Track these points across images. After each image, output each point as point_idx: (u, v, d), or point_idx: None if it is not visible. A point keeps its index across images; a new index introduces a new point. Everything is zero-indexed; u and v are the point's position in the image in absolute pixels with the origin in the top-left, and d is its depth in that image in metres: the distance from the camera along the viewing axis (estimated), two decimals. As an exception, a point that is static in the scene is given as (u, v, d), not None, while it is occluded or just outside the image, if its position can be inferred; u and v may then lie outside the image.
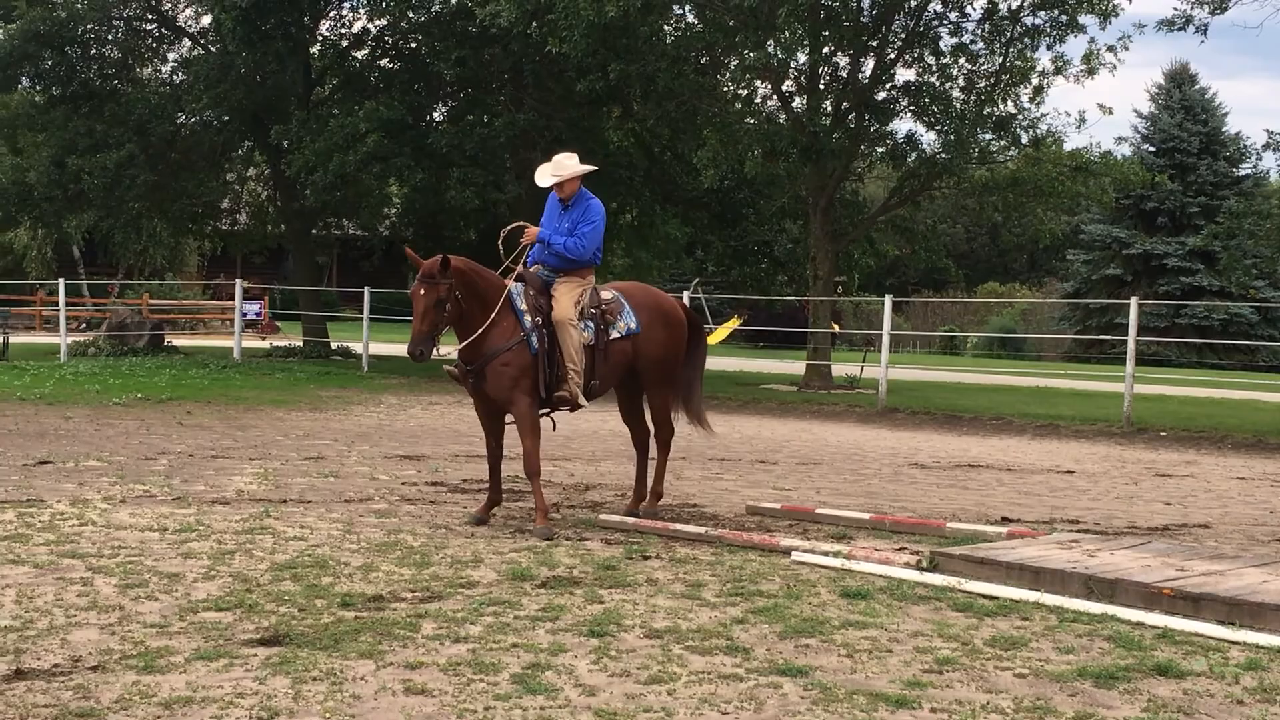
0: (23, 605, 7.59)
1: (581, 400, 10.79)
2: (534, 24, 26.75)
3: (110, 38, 32.83)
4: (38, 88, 32.24)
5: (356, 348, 31.33)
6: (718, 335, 49.18)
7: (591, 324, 10.84)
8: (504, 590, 8.24)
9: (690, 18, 28.69)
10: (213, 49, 32.62)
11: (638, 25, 25.54)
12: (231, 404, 20.83)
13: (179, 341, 35.17)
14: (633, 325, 11.09)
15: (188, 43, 34.27)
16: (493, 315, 10.41)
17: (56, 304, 32.18)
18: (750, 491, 13.13)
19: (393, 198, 37.89)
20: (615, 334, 11.00)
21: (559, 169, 10.99)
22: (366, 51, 33.48)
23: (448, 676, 6.38)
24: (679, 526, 10.65)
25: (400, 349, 32.30)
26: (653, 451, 11.68)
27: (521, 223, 11.34)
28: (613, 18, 23.88)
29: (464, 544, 9.79)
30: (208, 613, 7.53)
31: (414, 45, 32.48)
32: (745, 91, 28.82)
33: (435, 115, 33.23)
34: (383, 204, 37.46)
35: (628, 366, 11.20)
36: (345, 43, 33.44)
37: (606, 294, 11.15)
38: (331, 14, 33.11)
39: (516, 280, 10.81)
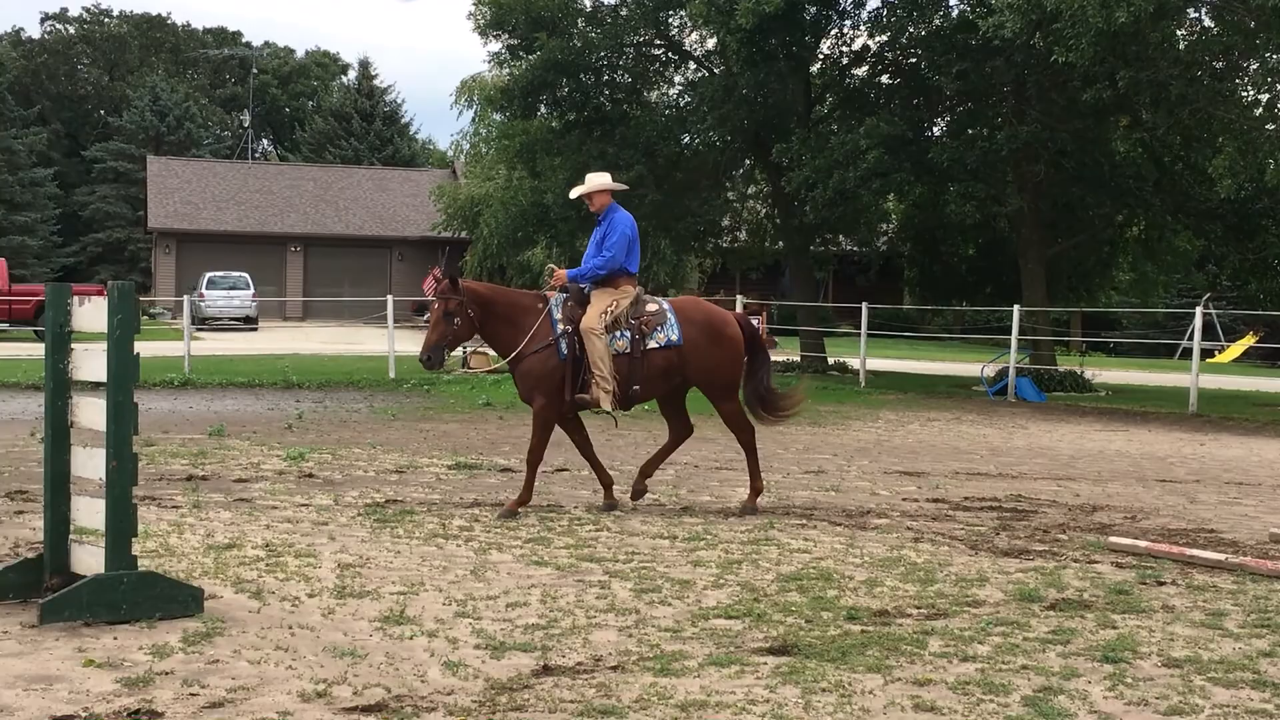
0: (547, 605, 8.00)
1: (605, 404, 11.40)
2: (1038, 34, 26.17)
3: (621, 64, 34.14)
4: (554, 114, 33.83)
5: (853, 363, 31.47)
6: (1231, 353, 46.81)
7: (628, 333, 11.49)
8: (1011, 610, 8.08)
9: (1206, 21, 27.36)
10: (717, 71, 33.48)
11: (1148, 31, 24.55)
12: (733, 417, 21.26)
13: (682, 355, 36.18)
14: (674, 337, 11.65)
15: (693, 65, 35.29)
16: (535, 326, 11.37)
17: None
18: (1273, 518, 12.37)
19: (890, 213, 37.88)
20: (653, 344, 11.59)
21: (588, 183, 12.03)
22: (866, 68, 33.59)
23: (956, 695, 6.31)
24: (1195, 552, 10.15)
25: (899, 365, 31.84)
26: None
27: (551, 265, 12.36)
28: (1122, 24, 23.05)
29: (968, 562, 9.66)
30: (718, 620, 7.72)
31: (914, 60, 32.36)
32: (1267, 96, 27.24)
33: (934, 130, 32.99)
34: (880, 219, 37.51)
35: (674, 376, 11.76)
36: (845, 60, 33.67)
37: (652, 306, 11.77)
38: (832, 32, 33.40)
39: (561, 291, 11.69)
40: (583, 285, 11.67)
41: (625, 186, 12.91)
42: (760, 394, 12.29)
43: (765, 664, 6.78)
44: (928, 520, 11.61)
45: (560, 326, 11.44)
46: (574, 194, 12.38)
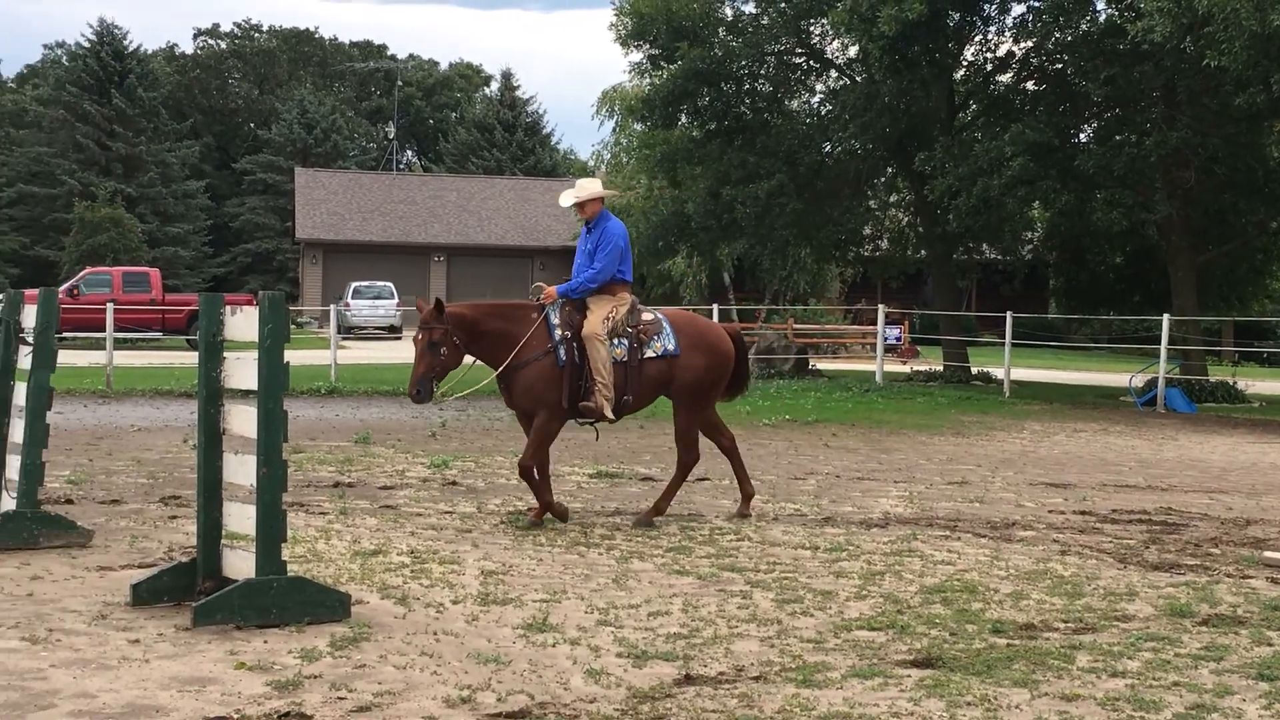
0: (689, 614, 8.00)
1: (609, 413, 11.15)
2: (1188, 38, 25.66)
3: (762, 72, 34.11)
4: (695, 123, 33.88)
5: (997, 373, 31.08)
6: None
7: (625, 341, 11.23)
8: (1162, 625, 7.92)
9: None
10: (858, 79, 33.31)
11: (1304, 33, 23.95)
12: (875, 427, 21.14)
13: (822, 365, 36.08)
14: (670, 347, 11.38)
15: (834, 73, 35.15)
16: (528, 334, 11.05)
17: (710, 328, 33.79)
18: None
19: (1035, 221, 37.37)
20: (650, 353, 11.32)
21: (579, 190, 11.64)
22: (1010, 74, 33.20)
23: (1105, 711, 6.20)
24: (1355, 569, 9.86)
25: (1045, 375, 31.41)
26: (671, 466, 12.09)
27: (540, 284, 11.79)
28: (1278, 27, 22.53)
29: (1117, 576, 9.48)
30: (861, 631, 7.67)
31: (1059, 66, 31.92)
32: None
33: (1081, 136, 32.49)
34: (1025, 227, 37.02)
35: (665, 387, 11.50)
36: (989, 67, 33.31)
37: (648, 315, 11.52)
38: (976, 39, 33.07)
39: (559, 298, 11.39)
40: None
41: (616, 192, 12.60)
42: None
43: (909, 676, 6.72)
44: (1074, 533, 11.41)
45: (559, 333, 11.16)
46: (564, 202, 11.90)
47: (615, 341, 11.21)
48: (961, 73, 33.56)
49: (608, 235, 11.46)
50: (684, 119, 33.82)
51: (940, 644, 7.37)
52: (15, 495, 9.80)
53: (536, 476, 11.18)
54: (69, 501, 11.71)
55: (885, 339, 34.67)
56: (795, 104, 36.05)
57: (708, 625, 7.73)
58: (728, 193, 31.72)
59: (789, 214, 32.04)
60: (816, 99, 36.07)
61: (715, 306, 33.41)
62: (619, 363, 11.20)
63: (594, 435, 12.24)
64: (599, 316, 11.22)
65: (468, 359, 11.20)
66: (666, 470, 14.80)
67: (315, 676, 6.53)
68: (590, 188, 11.74)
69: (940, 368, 33.74)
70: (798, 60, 34.91)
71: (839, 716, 6.06)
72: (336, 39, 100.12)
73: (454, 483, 13.59)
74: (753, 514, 11.82)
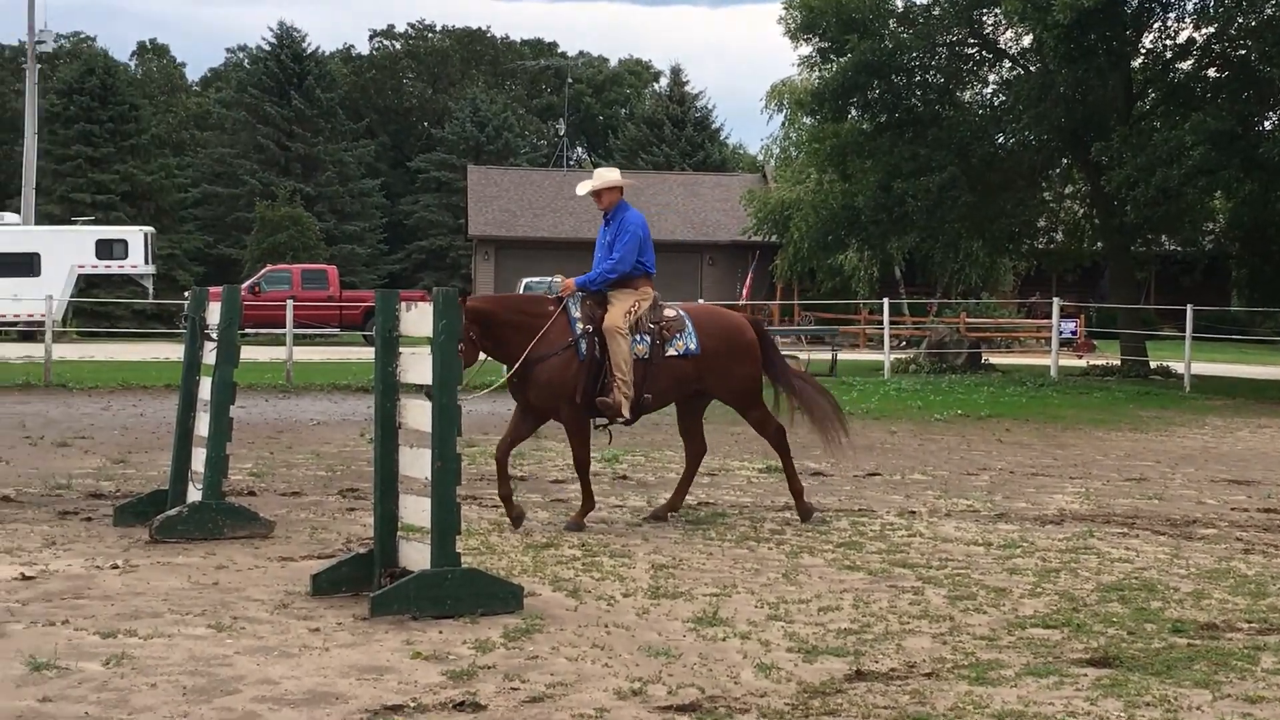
0: (859, 610, 7.96)
1: (625, 411, 10.74)
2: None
3: (933, 64, 33.69)
4: (865, 116, 33.60)
5: (1177, 367, 30.35)
6: None
7: (647, 338, 10.85)
8: (1351, 628, 7.68)
9: None
10: (1032, 68, 32.76)
11: None
12: (1049, 422, 20.78)
13: (995, 359, 35.57)
14: (692, 346, 11.04)
15: (1008, 64, 34.60)
16: (545, 328, 10.63)
17: (880, 322, 33.55)
18: None
19: (1216, 211, 36.40)
20: (672, 351, 10.97)
21: (597, 179, 11.31)
22: (1191, 62, 32.37)
23: (1291, 715, 6.04)
24: None
25: (1227, 369, 30.62)
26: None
27: (559, 275, 11.34)
28: None
29: (1303, 576, 9.22)
30: (1035, 629, 7.56)
31: (1243, 52, 31.04)
32: None
33: (1265, 124, 31.54)
34: (1206, 218, 36.08)
35: (689, 387, 11.16)
36: (1169, 54, 32.53)
37: (670, 312, 11.19)
38: (1155, 25, 32.30)
39: (578, 290, 10.96)
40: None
41: (635, 183, 11.98)
42: (798, 388, 11.84)
43: (1085, 676, 6.61)
44: (1259, 531, 11.12)
45: (579, 326, 10.76)
46: (581, 190, 11.58)
47: (637, 338, 10.82)
48: (1139, 60, 32.78)
49: (626, 225, 11.10)
50: (854, 112, 33.53)
51: (1118, 643, 7.24)
52: (201, 487, 10.10)
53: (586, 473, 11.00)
54: (251, 493, 12.04)
55: (1060, 333, 34.05)
56: (967, 95, 35.55)
57: (879, 621, 7.69)
58: (898, 186, 31.40)
59: (961, 207, 31.64)
60: (989, 90, 35.52)
61: (886, 300, 33.12)
62: (640, 360, 10.79)
63: (608, 438, 11.57)
64: (621, 310, 10.84)
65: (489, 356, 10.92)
66: (838, 465, 14.75)
67: (489, 667, 6.62)
68: (607, 176, 11.44)
69: (1117, 362, 33.03)
70: (970, 51, 34.43)
71: (1013, 715, 5.99)
72: (508, 37, 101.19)
73: (624, 477, 13.68)
74: (669, 520, 11.20)
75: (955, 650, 7.07)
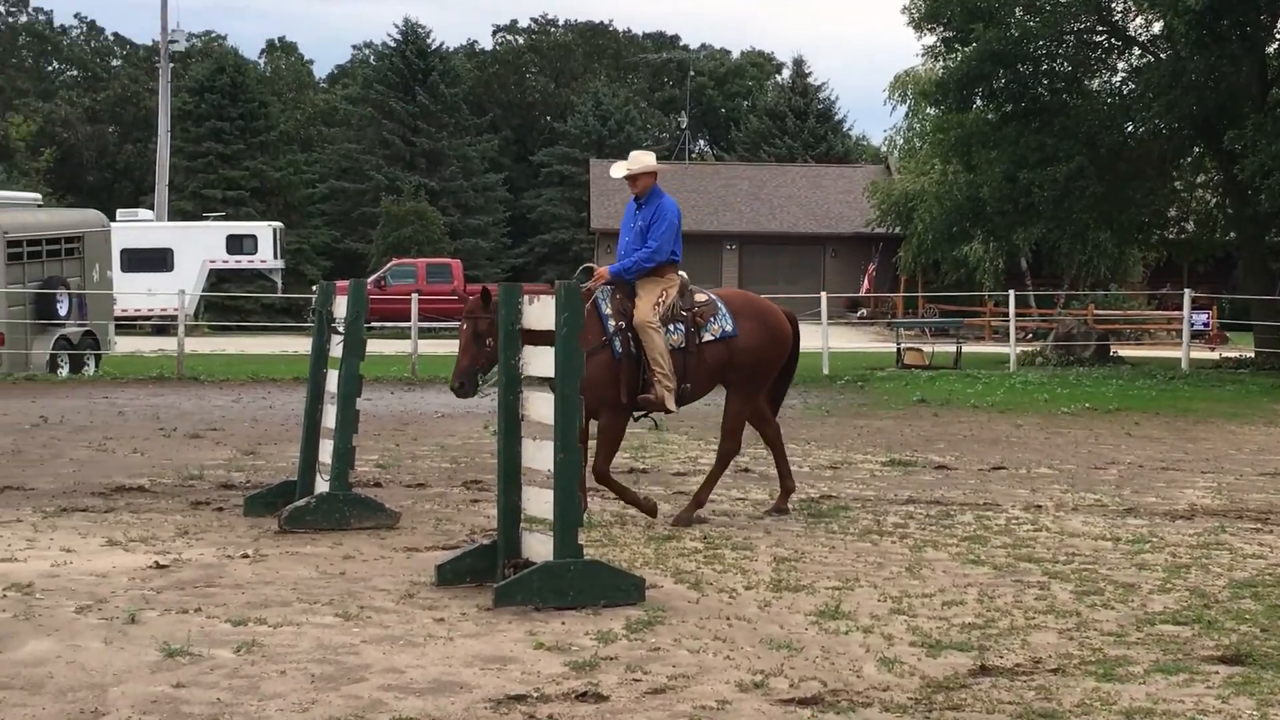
0: (984, 604, 7.88)
1: (670, 404, 10.41)
2: None
3: (1060, 52, 33.24)
4: (990, 106, 33.24)
5: (1314, 359, 29.66)
6: None
7: (681, 326, 10.53)
8: None
9: None
10: (1163, 55, 32.19)
11: None
12: (1180, 415, 20.40)
13: (1124, 352, 34.99)
14: (728, 328, 10.71)
15: (1137, 51, 34.04)
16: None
17: (1005, 314, 33.20)
18: None
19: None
20: (709, 336, 10.64)
21: (632, 162, 10.93)
22: (1328, 47, 31.64)
23: None
24: None
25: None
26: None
27: (590, 264, 11.04)
28: None
29: None
30: (1165, 625, 7.44)
31: (1382, 35, 30.27)
32: None
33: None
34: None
35: (725, 372, 10.81)
36: (1306, 40, 31.80)
37: (701, 296, 10.82)
38: (1290, 10, 31.59)
39: (605, 283, 10.59)
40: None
41: (669, 167, 11.60)
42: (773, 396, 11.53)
43: (1216, 673, 6.49)
44: (1398, 528, 10.83)
45: (612, 323, 10.37)
46: (616, 174, 11.22)
47: (671, 327, 10.47)
48: (1275, 46, 32.09)
49: (661, 212, 10.73)
50: (979, 102, 33.20)
51: (1250, 640, 7.10)
52: (328, 478, 10.26)
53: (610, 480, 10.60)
54: (377, 485, 12.20)
55: (1192, 325, 33.44)
56: (1095, 83, 35.00)
57: (1003, 616, 7.61)
58: (1025, 176, 31.02)
59: (1089, 197, 31.18)
60: (1118, 78, 34.94)
61: (1011, 292, 32.74)
62: (676, 349, 10.46)
63: (653, 426, 11.23)
64: (649, 302, 10.47)
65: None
66: (962, 458, 14.63)
67: (611, 658, 6.65)
68: (643, 160, 11.09)
69: (1251, 354, 32.38)
70: (1098, 38, 33.90)
71: (1141, 712, 5.90)
72: (630, 31, 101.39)
73: (746, 469, 13.66)
74: (790, 510, 11.13)
75: (1082, 646, 6.98)
